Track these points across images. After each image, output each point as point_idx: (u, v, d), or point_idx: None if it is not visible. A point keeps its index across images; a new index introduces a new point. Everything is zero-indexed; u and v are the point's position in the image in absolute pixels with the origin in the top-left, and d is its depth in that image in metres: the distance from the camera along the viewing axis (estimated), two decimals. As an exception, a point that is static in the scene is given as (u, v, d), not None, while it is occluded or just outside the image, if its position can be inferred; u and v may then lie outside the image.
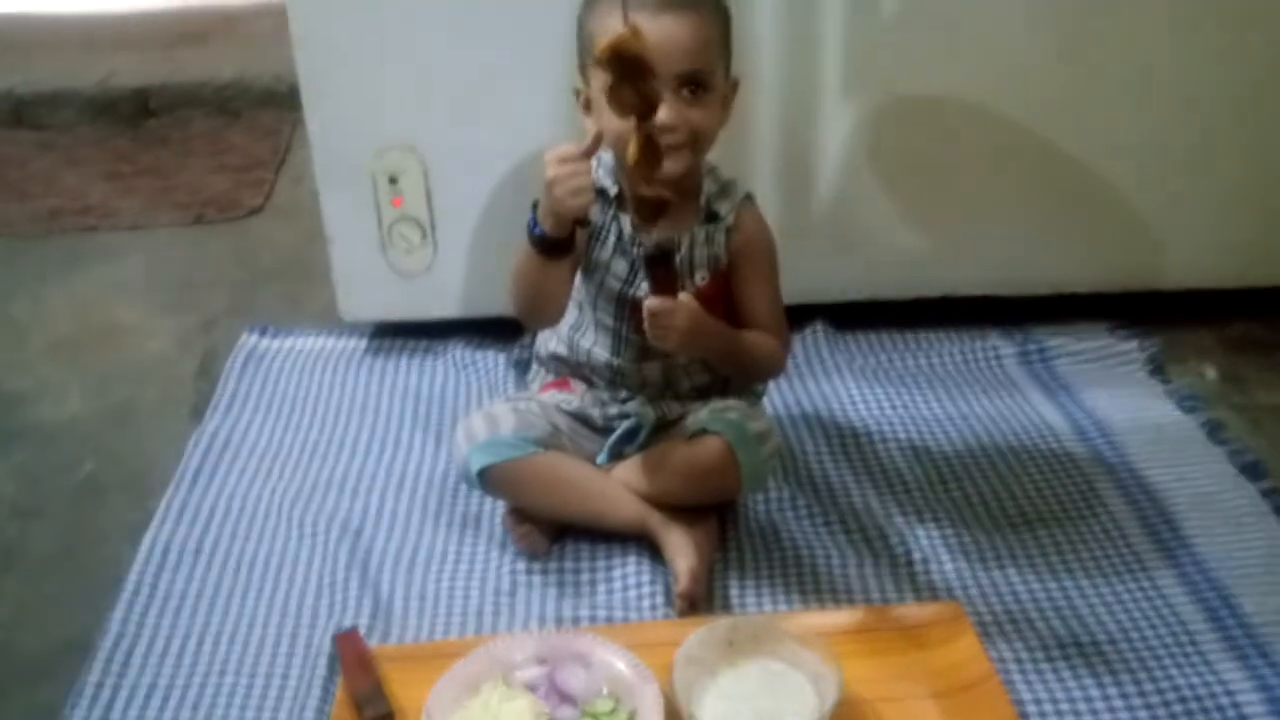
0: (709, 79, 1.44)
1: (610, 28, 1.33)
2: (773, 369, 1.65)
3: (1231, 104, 1.95)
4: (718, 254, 1.56)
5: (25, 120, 3.24)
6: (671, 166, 1.41)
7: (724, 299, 1.57)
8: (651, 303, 1.44)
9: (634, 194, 1.42)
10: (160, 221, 2.65)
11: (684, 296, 1.46)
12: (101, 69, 3.36)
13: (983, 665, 1.33)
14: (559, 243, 1.45)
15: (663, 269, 1.44)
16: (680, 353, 1.55)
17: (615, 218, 1.55)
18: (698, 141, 1.46)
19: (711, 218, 1.56)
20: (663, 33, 1.37)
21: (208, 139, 3.15)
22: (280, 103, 3.20)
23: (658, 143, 1.35)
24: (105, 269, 2.43)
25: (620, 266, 1.56)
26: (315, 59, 1.86)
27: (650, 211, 1.40)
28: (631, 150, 1.34)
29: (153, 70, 3.39)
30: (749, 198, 1.59)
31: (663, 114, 1.37)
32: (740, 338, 1.56)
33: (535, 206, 1.45)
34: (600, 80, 1.38)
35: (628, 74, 1.30)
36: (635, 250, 1.54)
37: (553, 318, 1.60)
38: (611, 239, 1.56)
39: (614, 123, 1.40)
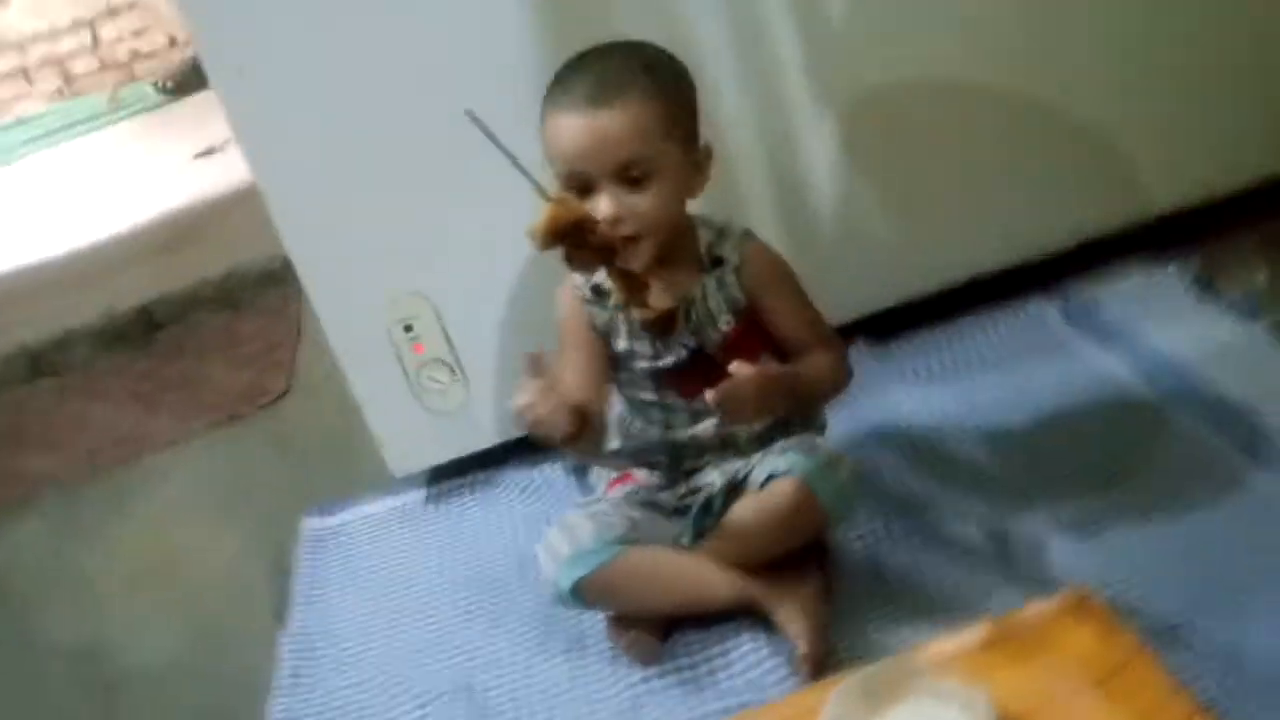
0: (649, 164, 1.41)
1: (553, 131, 1.39)
2: (841, 381, 1.60)
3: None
4: (734, 295, 1.53)
5: (43, 369, 3.25)
6: (632, 259, 1.41)
7: (759, 336, 1.55)
8: (712, 394, 1.38)
9: (640, 321, 1.41)
10: (196, 430, 2.65)
11: (734, 366, 1.39)
12: (102, 299, 3.39)
13: (1126, 642, 1.27)
14: (580, 435, 1.44)
15: (700, 365, 1.43)
16: (761, 418, 1.51)
17: (620, 310, 1.53)
18: (654, 227, 1.43)
19: (716, 263, 1.54)
20: (592, 130, 1.39)
21: (220, 335, 3.16)
22: (281, 280, 3.18)
23: (634, 273, 1.36)
24: (155, 493, 2.43)
25: (642, 348, 1.54)
26: (299, 235, 1.86)
27: (661, 328, 1.40)
28: (617, 293, 1.35)
29: (149, 285, 3.42)
30: (748, 233, 1.57)
31: (604, 207, 1.39)
32: (801, 372, 1.52)
33: None
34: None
35: (573, 240, 1.30)
36: (656, 342, 1.53)
37: None
38: (623, 328, 1.54)
39: None
